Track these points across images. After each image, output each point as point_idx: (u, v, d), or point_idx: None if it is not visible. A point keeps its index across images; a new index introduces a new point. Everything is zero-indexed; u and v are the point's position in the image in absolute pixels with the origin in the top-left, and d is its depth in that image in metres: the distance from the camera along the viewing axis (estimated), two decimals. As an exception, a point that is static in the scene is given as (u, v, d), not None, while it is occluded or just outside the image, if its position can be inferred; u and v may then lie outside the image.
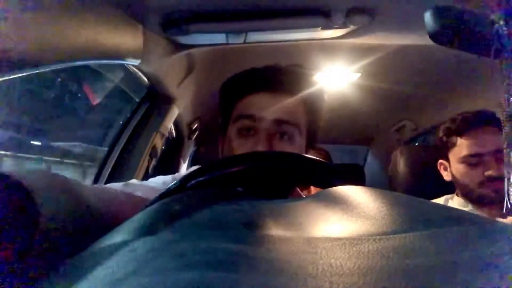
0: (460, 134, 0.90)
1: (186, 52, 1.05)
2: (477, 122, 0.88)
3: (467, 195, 0.91)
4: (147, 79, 1.07)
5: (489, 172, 0.85)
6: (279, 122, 0.58)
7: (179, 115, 1.36)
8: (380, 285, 0.17)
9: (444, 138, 0.95)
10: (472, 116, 0.90)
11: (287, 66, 0.64)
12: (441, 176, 0.98)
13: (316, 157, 0.50)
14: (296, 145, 0.60)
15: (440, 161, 0.98)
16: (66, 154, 1.23)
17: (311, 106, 0.62)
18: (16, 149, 1.05)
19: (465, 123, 0.90)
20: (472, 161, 0.88)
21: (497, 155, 0.84)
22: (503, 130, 0.41)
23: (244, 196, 0.36)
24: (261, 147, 0.56)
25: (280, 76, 0.61)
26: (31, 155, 1.17)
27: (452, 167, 0.94)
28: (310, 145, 0.66)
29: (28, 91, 1.00)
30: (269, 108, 0.58)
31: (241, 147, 0.59)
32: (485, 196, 0.87)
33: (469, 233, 0.24)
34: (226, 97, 0.67)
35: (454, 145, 0.92)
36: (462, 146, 0.90)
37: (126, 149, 1.16)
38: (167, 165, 1.49)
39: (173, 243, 0.22)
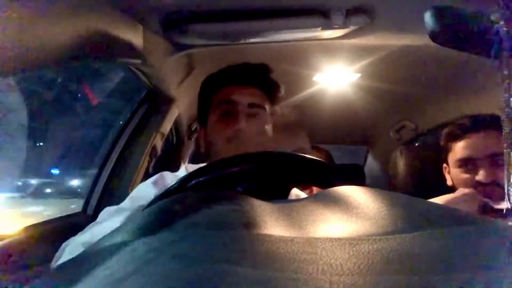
0: (456, 138, 0.90)
1: (186, 52, 1.05)
2: (473, 127, 0.87)
3: None
4: (147, 79, 1.07)
5: (478, 178, 0.83)
6: (251, 105, 0.77)
7: (179, 115, 1.35)
8: (380, 285, 0.17)
9: (443, 143, 0.95)
10: (468, 121, 0.89)
11: (254, 64, 0.82)
12: (440, 177, 0.98)
13: (318, 157, 0.50)
14: (263, 122, 0.79)
15: (444, 165, 0.98)
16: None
17: (271, 94, 0.83)
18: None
19: (461, 128, 0.90)
20: (465, 165, 0.87)
21: (492, 160, 0.82)
22: (503, 130, 0.41)
23: (244, 196, 0.36)
24: (240, 124, 0.73)
25: (248, 72, 0.80)
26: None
27: (450, 172, 0.94)
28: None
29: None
30: (243, 95, 0.77)
31: (224, 127, 0.75)
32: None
33: (469, 233, 0.24)
34: (207, 89, 0.84)
35: (451, 149, 0.92)
36: (457, 150, 0.89)
37: (126, 149, 1.16)
38: (167, 165, 1.49)
39: (173, 243, 0.22)
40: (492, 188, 0.80)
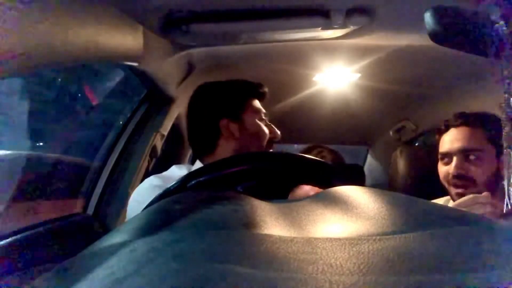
0: (441, 133, 0.95)
1: (186, 52, 1.05)
2: (454, 123, 0.92)
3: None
4: (147, 79, 1.07)
5: (451, 170, 0.87)
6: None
7: (179, 115, 1.35)
8: (380, 285, 0.17)
9: (436, 138, 1.00)
10: (453, 117, 0.94)
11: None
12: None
13: (328, 157, 0.50)
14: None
15: None
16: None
17: None
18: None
19: (445, 124, 0.94)
20: (444, 159, 0.91)
21: (463, 154, 0.86)
22: (503, 130, 0.41)
23: (244, 196, 0.36)
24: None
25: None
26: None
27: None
28: None
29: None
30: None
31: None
32: (452, 196, 0.89)
33: (469, 233, 0.24)
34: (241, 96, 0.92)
35: (438, 144, 0.96)
36: (440, 144, 0.94)
37: (126, 149, 1.16)
38: (167, 165, 1.49)
39: (173, 243, 0.22)
40: (464, 181, 0.84)
